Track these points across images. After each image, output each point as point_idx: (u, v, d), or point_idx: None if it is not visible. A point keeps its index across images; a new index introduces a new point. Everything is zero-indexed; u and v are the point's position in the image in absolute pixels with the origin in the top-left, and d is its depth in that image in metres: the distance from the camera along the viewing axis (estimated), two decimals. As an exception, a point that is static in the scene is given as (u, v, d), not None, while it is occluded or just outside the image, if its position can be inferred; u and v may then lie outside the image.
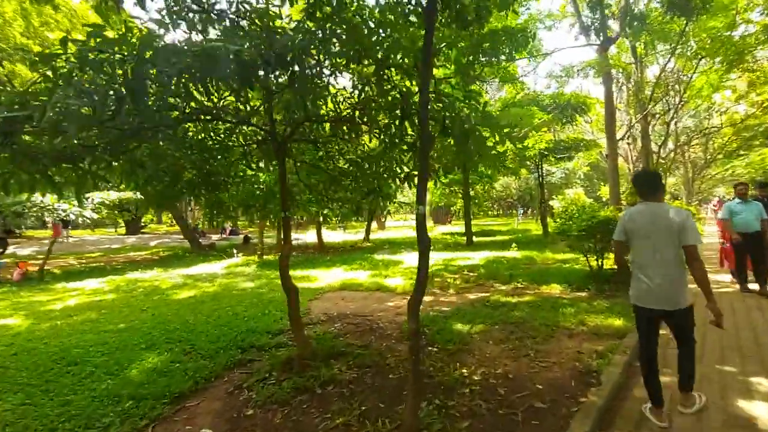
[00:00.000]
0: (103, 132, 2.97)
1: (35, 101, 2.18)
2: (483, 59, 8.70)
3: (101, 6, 4.20)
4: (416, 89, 3.29)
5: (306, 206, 6.00)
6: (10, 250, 17.14)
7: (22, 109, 2.19)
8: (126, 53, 2.06)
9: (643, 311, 2.75)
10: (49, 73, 2.13)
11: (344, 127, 4.09)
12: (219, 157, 4.47)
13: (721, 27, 11.71)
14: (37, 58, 2.18)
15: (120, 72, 1.89)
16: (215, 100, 3.50)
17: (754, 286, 6.00)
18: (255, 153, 4.68)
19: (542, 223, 18.31)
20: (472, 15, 3.82)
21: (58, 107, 2.09)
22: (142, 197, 4.91)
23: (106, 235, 28.98)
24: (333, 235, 23.89)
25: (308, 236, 22.31)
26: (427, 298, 6.45)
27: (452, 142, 3.71)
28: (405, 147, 4.05)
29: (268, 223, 11.64)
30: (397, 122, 3.53)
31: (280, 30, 3.23)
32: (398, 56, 3.43)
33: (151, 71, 1.98)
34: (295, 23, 3.38)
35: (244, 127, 4.39)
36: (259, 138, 4.42)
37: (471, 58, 8.26)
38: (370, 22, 3.52)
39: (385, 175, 4.56)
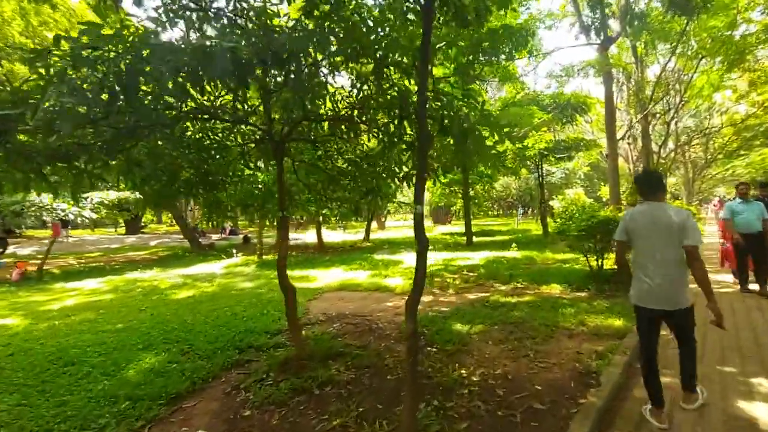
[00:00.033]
0: (99, 130, 2.95)
1: (30, 99, 2.17)
2: (483, 59, 8.68)
3: (99, 5, 4.18)
4: (415, 88, 3.27)
5: (305, 206, 5.98)
6: (10, 249, 17.11)
7: (15, 108, 2.17)
8: (120, 50, 2.04)
9: (644, 311, 2.73)
10: (42, 70, 2.11)
11: (343, 127, 4.07)
12: (217, 156, 4.45)
13: (721, 26, 11.67)
14: (31, 55, 2.16)
15: (114, 69, 1.87)
16: (212, 98, 3.47)
17: (754, 287, 5.97)
18: (253, 152, 4.66)
19: (542, 223, 18.28)
20: (472, 14, 3.80)
21: (50, 105, 2.07)
22: (140, 197, 4.90)
23: (106, 234, 28.97)
24: (333, 235, 23.86)
25: (308, 236, 22.29)
26: (426, 298, 6.43)
27: (451, 142, 3.69)
28: (404, 146, 4.03)
29: (267, 223, 11.61)
30: (395, 121, 3.51)
31: (278, 29, 3.20)
32: (396, 55, 3.41)
33: (145, 68, 1.95)
34: (294, 21, 3.36)
35: (242, 127, 4.37)
36: (257, 137, 4.40)
37: (471, 57, 8.24)
38: (368, 21, 3.50)
39: (384, 175, 4.54)
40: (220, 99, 4.02)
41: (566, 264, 8.83)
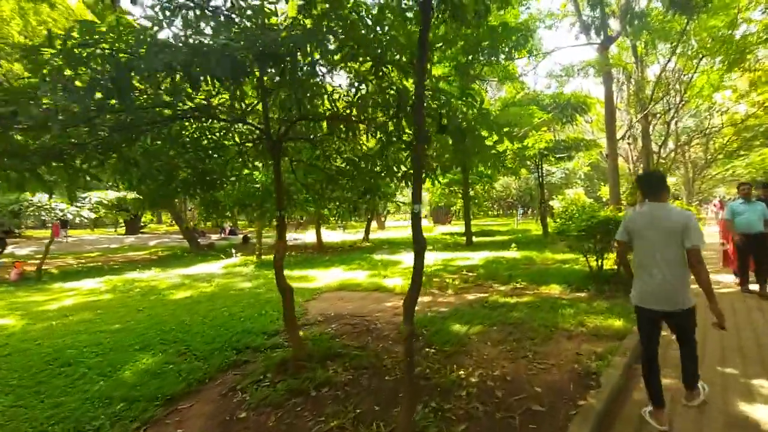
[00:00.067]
0: (94, 129, 2.93)
1: (22, 98, 2.14)
2: (482, 58, 8.64)
3: (97, 4, 4.15)
4: (413, 87, 3.24)
5: (303, 205, 5.95)
6: (9, 249, 17.09)
7: (8, 106, 2.15)
8: (113, 47, 2.02)
9: (645, 312, 2.72)
10: (35, 68, 2.09)
11: (341, 126, 4.04)
12: (214, 155, 4.43)
13: (722, 26, 11.63)
14: (23, 52, 2.14)
15: (105, 66, 1.84)
16: (206, 96, 3.44)
17: (755, 287, 5.93)
18: (250, 152, 4.63)
19: (542, 223, 18.25)
20: (471, 14, 3.77)
21: (42, 103, 2.04)
22: (138, 196, 4.88)
23: (106, 234, 28.95)
24: (332, 235, 23.85)
25: (307, 236, 22.26)
26: (425, 299, 6.40)
27: (449, 141, 3.66)
28: (402, 145, 4.00)
29: (267, 223, 11.60)
30: (394, 120, 3.48)
31: (276, 27, 3.18)
32: (394, 53, 3.38)
33: (137, 65, 1.92)
34: (291, 19, 3.33)
35: (240, 126, 4.34)
36: (255, 137, 4.37)
37: (470, 57, 8.21)
38: (366, 19, 3.47)
39: (383, 174, 4.51)
40: (217, 96, 4.00)
41: (566, 264, 8.80)
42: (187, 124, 4.09)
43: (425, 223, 34.27)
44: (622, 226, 2.88)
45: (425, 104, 3.17)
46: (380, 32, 3.42)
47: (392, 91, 3.36)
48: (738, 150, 23.12)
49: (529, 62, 14.97)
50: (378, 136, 3.97)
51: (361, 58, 3.34)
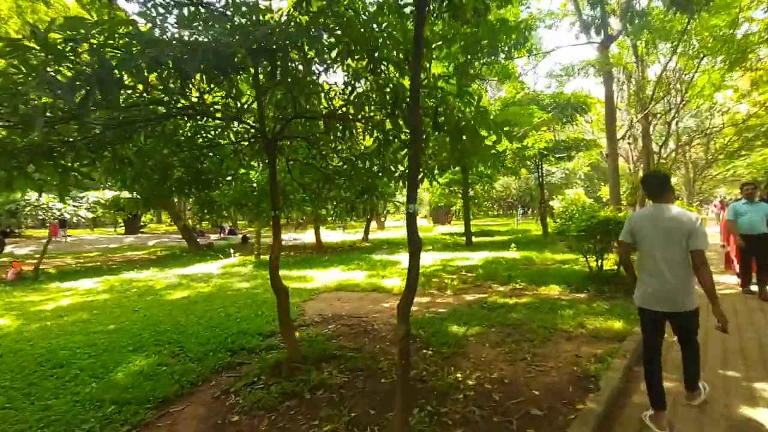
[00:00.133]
0: (83, 126, 2.87)
1: (5, 93, 2.09)
2: (482, 58, 8.58)
3: (94, 3, 4.10)
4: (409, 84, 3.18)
5: (300, 205, 5.89)
6: (8, 249, 17.05)
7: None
8: (98, 42, 1.96)
9: (649, 313, 2.69)
10: (19, 63, 2.03)
11: (337, 124, 3.99)
12: (210, 154, 4.38)
13: (723, 25, 11.56)
14: (7, 48, 2.08)
15: (90, 62, 1.79)
16: (199, 93, 3.39)
17: (756, 288, 5.87)
18: (246, 151, 4.58)
19: (542, 223, 18.19)
20: (470, 12, 3.71)
21: (30, 99, 1.99)
22: (133, 196, 4.81)
23: (105, 234, 28.91)
24: (332, 235, 23.80)
25: (307, 236, 22.20)
26: (423, 299, 6.35)
27: (447, 139, 3.61)
28: (399, 144, 3.94)
29: (265, 223, 11.55)
30: (390, 118, 3.42)
31: (271, 24, 3.12)
32: (391, 50, 3.33)
33: (120, 61, 1.87)
34: (286, 16, 3.28)
35: (235, 125, 4.29)
36: (250, 135, 4.32)
37: (469, 56, 8.14)
38: (362, 16, 3.42)
39: (380, 174, 4.46)
40: (212, 96, 3.95)
41: (566, 265, 8.75)
42: (181, 122, 4.04)
43: (425, 223, 34.21)
44: (625, 227, 2.84)
45: (422, 102, 3.12)
46: (377, 29, 3.37)
47: (389, 89, 3.30)
48: (739, 150, 23.02)
49: (529, 62, 14.85)
50: (375, 134, 3.92)
51: (357, 56, 3.28)
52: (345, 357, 3.92)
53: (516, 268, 8.57)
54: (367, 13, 3.49)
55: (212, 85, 3.28)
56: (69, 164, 3.15)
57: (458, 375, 3.43)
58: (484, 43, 7.10)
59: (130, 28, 2.00)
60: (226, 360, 4.03)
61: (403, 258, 11.60)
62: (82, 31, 1.90)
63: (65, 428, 2.87)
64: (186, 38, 2.14)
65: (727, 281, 6.74)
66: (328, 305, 6.37)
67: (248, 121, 4.01)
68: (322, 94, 3.73)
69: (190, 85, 2.98)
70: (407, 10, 3.40)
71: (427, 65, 4.54)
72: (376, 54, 3.22)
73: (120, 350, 4.43)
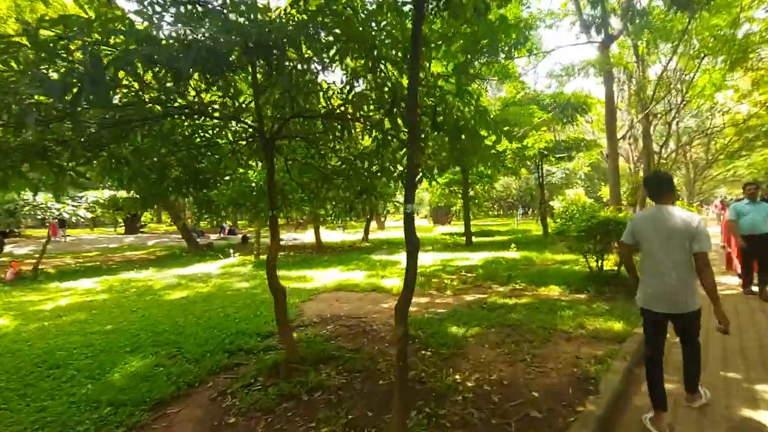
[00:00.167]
0: (78, 125, 2.85)
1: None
2: (482, 57, 8.55)
3: (92, 2, 4.07)
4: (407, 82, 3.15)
5: (298, 205, 5.86)
6: (8, 249, 17.03)
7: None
8: (90, 39, 1.94)
9: (651, 314, 2.68)
10: (10, 61, 2.00)
11: (336, 124, 3.96)
12: (207, 154, 4.35)
13: (724, 25, 11.51)
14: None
15: (81, 60, 1.76)
16: (195, 92, 3.36)
17: (757, 289, 5.83)
18: (244, 150, 4.56)
19: (542, 223, 18.16)
20: (471, 11, 3.69)
21: (18, 98, 1.96)
22: (130, 195, 4.80)
23: (105, 234, 28.89)
24: (332, 235, 23.77)
25: (307, 236, 22.18)
26: (423, 300, 6.32)
27: (446, 139, 3.58)
28: (398, 144, 3.92)
29: (263, 222, 11.51)
30: (389, 117, 3.39)
31: (267, 22, 3.10)
32: (390, 49, 3.30)
33: (112, 58, 1.84)
34: (284, 14, 3.25)
35: (233, 124, 4.26)
36: (248, 135, 4.29)
37: (469, 56, 8.11)
38: (361, 14, 3.39)
39: (379, 174, 4.43)
40: (210, 95, 3.93)
41: (566, 265, 8.71)
42: (179, 121, 4.01)
43: (425, 223, 34.19)
44: (628, 228, 2.83)
45: (420, 101, 3.09)
46: (375, 28, 3.34)
47: (387, 88, 3.27)
48: (740, 150, 22.98)
49: (529, 61, 14.82)
50: (374, 134, 3.89)
51: (356, 54, 3.25)
52: (343, 358, 3.89)
53: (516, 269, 8.54)
54: (365, 12, 3.46)
55: (209, 84, 3.23)
56: (64, 164, 3.13)
57: (457, 376, 3.40)
58: (483, 43, 7.08)
59: (126, 23, 1.97)
60: (224, 361, 4.00)
61: (403, 258, 11.52)
62: (75, 28, 1.88)
63: (60, 430, 2.85)
64: (179, 36, 2.11)
65: (729, 282, 6.70)
66: (327, 305, 6.34)
67: (246, 120, 3.98)
68: (321, 93, 3.70)
69: (187, 84, 2.94)
70: (406, 8, 3.37)
71: (427, 64, 4.52)
72: (375, 52, 3.19)
73: (117, 351, 4.41)
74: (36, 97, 1.97)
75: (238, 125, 4.27)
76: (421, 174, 4.04)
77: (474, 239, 15.64)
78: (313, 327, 5.14)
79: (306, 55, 3.24)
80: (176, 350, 4.33)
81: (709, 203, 34.32)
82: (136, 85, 2.89)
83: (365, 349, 4.22)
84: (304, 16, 3.07)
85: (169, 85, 2.59)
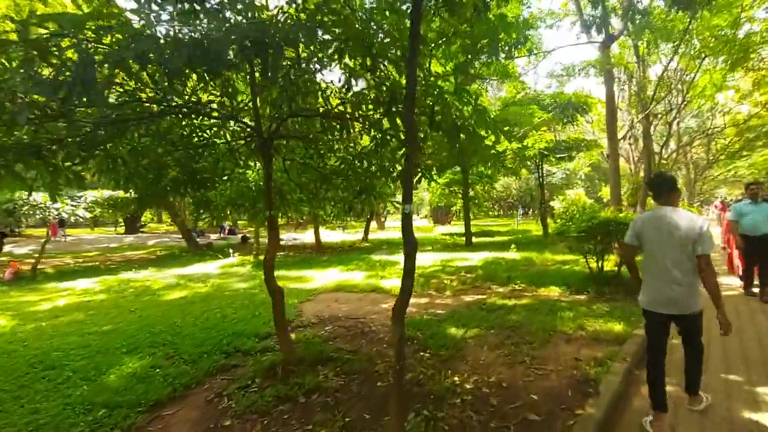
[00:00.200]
0: (73, 124, 2.82)
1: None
2: (482, 57, 8.51)
3: (92, 1, 4.04)
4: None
5: (297, 205, 5.83)
6: (8, 248, 17.01)
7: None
8: (85, 37, 1.91)
9: (654, 316, 2.66)
10: (4, 60, 1.98)
11: (334, 123, 3.93)
12: (205, 154, 4.32)
13: (725, 25, 11.47)
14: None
15: (74, 58, 1.73)
16: (192, 90, 3.33)
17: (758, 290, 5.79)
18: (242, 150, 4.53)
19: (542, 223, 18.12)
20: (470, 10, 3.66)
21: (10, 97, 1.93)
22: (128, 195, 4.76)
23: (105, 234, 28.87)
24: (332, 235, 23.74)
25: (307, 236, 22.16)
26: (422, 300, 6.29)
27: (445, 139, 3.55)
28: (396, 144, 3.89)
29: (262, 223, 11.49)
30: (387, 117, 3.37)
31: (264, 20, 3.07)
32: (389, 47, 3.27)
33: (111, 54, 1.81)
34: (284, 15, 3.22)
35: (231, 123, 4.23)
36: (246, 134, 4.26)
37: (469, 56, 8.07)
38: (359, 13, 3.36)
39: (377, 174, 4.40)
40: (207, 94, 3.90)
41: (566, 266, 8.68)
42: (176, 121, 3.98)
43: (425, 223, 34.16)
44: (630, 229, 2.81)
45: (418, 100, 3.06)
46: (374, 27, 3.31)
47: (385, 88, 3.24)
48: (740, 151, 22.94)
49: (530, 61, 14.80)
50: (372, 134, 3.86)
51: (354, 53, 3.22)
52: (341, 359, 3.86)
53: (516, 269, 8.51)
54: (364, 10, 3.44)
55: (206, 83, 3.20)
56: (59, 163, 3.10)
57: (456, 378, 3.36)
58: (483, 42, 7.04)
59: (120, 20, 1.94)
60: (221, 362, 3.97)
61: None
62: (66, 26, 1.85)
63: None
64: (174, 34, 2.08)
65: (730, 283, 6.67)
66: (325, 306, 6.31)
67: (244, 120, 3.95)
68: (319, 93, 3.67)
69: (181, 83, 2.91)
70: (404, 7, 3.34)
71: (427, 64, 4.49)
72: (374, 51, 3.16)
73: (114, 352, 4.38)
74: (30, 95, 1.94)
75: (236, 125, 4.24)
76: (420, 174, 4.01)
77: (474, 239, 15.61)
78: (311, 328, 5.11)
79: (303, 54, 3.22)
80: (173, 351, 4.30)
81: (709, 203, 34.26)
82: (132, 83, 2.86)
83: (363, 351, 4.19)
84: (303, 15, 3.04)
85: (162, 83, 2.55)
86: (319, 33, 3.01)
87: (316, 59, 3.34)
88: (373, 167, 4.36)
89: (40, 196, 10.59)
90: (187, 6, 3.15)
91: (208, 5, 3.19)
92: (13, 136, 2.51)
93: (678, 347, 2.85)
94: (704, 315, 2.65)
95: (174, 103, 3.42)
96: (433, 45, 6.05)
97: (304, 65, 3.30)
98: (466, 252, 12.42)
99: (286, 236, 22.34)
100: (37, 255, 12.14)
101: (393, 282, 7.79)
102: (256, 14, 3.11)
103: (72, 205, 11.25)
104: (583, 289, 6.29)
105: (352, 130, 4.08)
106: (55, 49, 1.77)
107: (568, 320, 4.76)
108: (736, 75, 16.03)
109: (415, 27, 2.49)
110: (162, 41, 1.93)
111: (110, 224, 34.05)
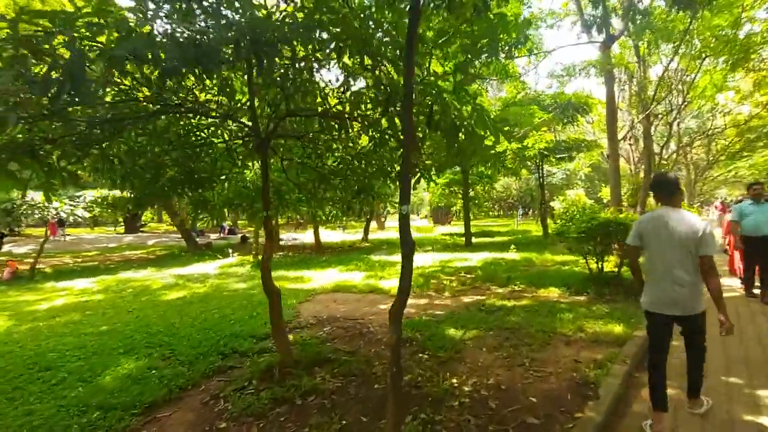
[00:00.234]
0: (68, 123, 2.79)
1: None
2: (482, 57, 8.48)
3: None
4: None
5: (296, 206, 5.79)
6: (7, 248, 16.98)
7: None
8: (79, 35, 1.88)
9: (657, 317, 2.64)
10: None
11: (332, 123, 3.90)
12: (202, 153, 4.29)
13: (725, 25, 11.44)
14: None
15: (66, 53, 1.70)
16: (188, 89, 3.30)
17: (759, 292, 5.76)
18: (240, 150, 4.50)
19: (542, 224, 18.09)
20: (471, 10, 3.62)
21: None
22: (123, 194, 4.73)
23: (105, 233, 28.85)
24: (332, 235, 23.71)
25: (306, 236, 22.13)
26: (421, 301, 6.26)
27: (443, 139, 3.52)
28: (395, 143, 3.85)
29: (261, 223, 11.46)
30: (386, 116, 3.33)
31: (264, 19, 3.03)
32: (388, 46, 3.24)
33: (104, 52, 1.78)
34: (281, 12, 3.19)
35: (229, 123, 4.20)
36: (243, 134, 4.23)
37: (469, 56, 8.04)
38: (358, 12, 3.33)
39: (376, 174, 4.37)
40: (205, 94, 3.87)
41: (565, 266, 8.65)
42: (173, 120, 3.95)
43: (425, 223, 34.12)
44: (633, 230, 2.78)
45: (416, 100, 3.03)
46: (372, 26, 3.28)
47: (382, 87, 3.21)
48: (741, 151, 22.91)
49: (530, 61, 14.75)
50: (371, 133, 3.83)
51: (352, 51, 3.19)
52: (339, 361, 3.83)
53: (515, 270, 8.48)
54: (362, 8, 3.40)
55: (201, 81, 3.17)
56: (54, 162, 3.07)
57: (454, 381, 3.33)
58: (483, 42, 7.01)
59: (115, 18, 1.91)
60: (218, 363, 3.94)
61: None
62: (57, 22, 1.81)
63: (48, 434, 2.79)
64: (168, 31, 2.05)
65: (731, 284, 6.63)
66: (324, 307, 6.28)
67: (242, 119, 3.92)
68: (317, 92, 3.64)
69: (177, 81, 2.88)
70: (402, 5, 3.31)
71: (426, 63, 4.45)
72: (372, 50, 3.13)
73: (110, 353, 4.34)
74: (17, 95, 1.91)
75: (234, 124, 4.21)
76: (419, 174, 3.98)
77: (474, 240, 15.58)
78: (309, 329, 5.08)
79: (301, 54, 3.19)
80: (170, 352, 4.27)
81: (709, 204, 34.20)
82: (127, 82, 2.83)
83: (361, 352, 4.16)
84: (301, 14, 3.01)
85: (159, 82, 2.52)
86: (317, 32, 2.98)
87: (314, 58, 3.31)
88: (372, 167, 4.33)
89: (38, 196, 10.55)
90: (184, 5, 3.13)
91: (206, 3, 3.18)
92: (6, 134, 2.48)
93: (678, 349, 2.82)
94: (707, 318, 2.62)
95: (171, 102, 3.39)
96: (432, 45, 6.01)
97: (302, 64, 3.27)
98: (466, 252, 12.39)
99: (286, 236, 22.31)
100: (36, 254, 12.12)
101: (392, 282, 7.76)
102: (254, 12, 3.08)
103: (71, 205, 11.21)
104: (583, 290, 6.26)
105: (350, 130, 4.05)
106: (47, 46, 1.74)
107: (567, 322, 4.72)
108: (736, 75, 16.00)
109: (413, 25, 2.45)
110: (156, 39, 1.90)
111: (110, 224, 34.02)
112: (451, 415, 2.82)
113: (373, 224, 24.43)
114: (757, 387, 3.18)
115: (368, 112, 3.75)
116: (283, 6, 3.27)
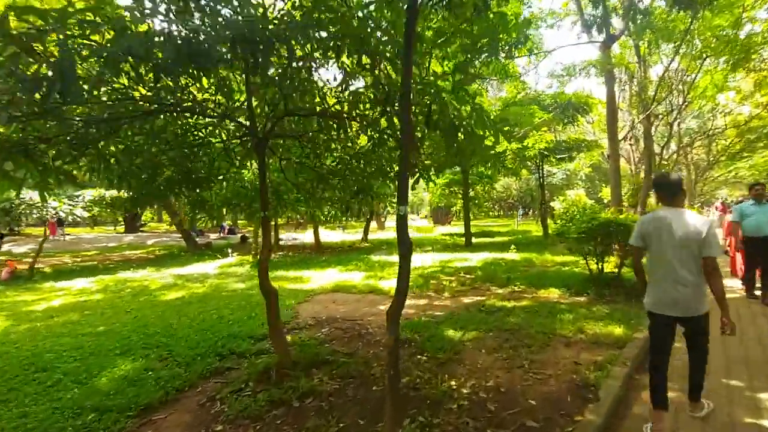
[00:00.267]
0: (63, 122, 2.76)
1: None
2: (482, 57, 8.45)
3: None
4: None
5: (294, 206, 5.77)
6: (6, 248, 16.96)
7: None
8: (72, 33, 1.85)
9: (660, 318, 2.62)
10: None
11: (331, 123, 3.87)
12: (200, 153, 4.26)
13: (726, 25, 11.42)
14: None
15: (56, 51, 1.67)
16: (183, 88, 3.27)
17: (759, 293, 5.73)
18: (238, 150, 4.47)
19: (542, 224, 18.06)
20: (471, 10, 3.59)
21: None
22: (120, 194, 4.70)
23: (104, 233, 28.83)
24: (332, 235, 23.69)
25: (306, 236, 22.10)
26: (420, 302, 6.23)
27: (443, 138, 3.49)
28: (394, 143, 3.83)
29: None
30: (385, 116, 3.31)
31: (261, 18, 3.01)
32: (387, 45, 3.21)
33: (96, 50, 1.75)
34: (279, 11, 3.16)
35: (227, 122, 4.17)
36: (241, 134, 4.20)
37: (469, 56, 8.01)
38: (358, 13, 3.30)
39: (375, 174, 4.34)
40: (203, 93, 3.84)
41: (565, 267, 8.62)
42: (170, 119, 3.92)
43: (425, 223, 34.09)
44: (636, 230, 2.76)
45: (414, 99, 3.00)
46: (371, 25, 3.25)
47: (381, 86, 3.18)
48: (741, 152, 22.87)
49: (530, 61, 14.73)
50: (369, 133, 3.80)
51: (351, 50, 3.16)
52: (337, 362, 3.80)
53: (515, 270, 8.45)
54: (361, 7, 3.37)
55: (197, 80, 3.14)
56: (49, 162, 3.04)
57: (453, 383, 3.30)
58: (483, 42, 6.98)
59: (111, 15, 1.89)
60: (215, 365, 3.91)
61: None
62: (50, 20, 1.79)
63: (42, 437, 2.76)
64: (162, 30, 2.02)
65: (732, 285, 6.60)
66: (323, 307, 6.25)
67: (240, 119, 3.89)
68: (316, 91, 3.61)
69: (172, 80, 2.85)
70: (400, 4, 3.28)
71: (426, 63, 4.43)
72: (370, 50, 3.10)
73: (107, 353, 4.32)
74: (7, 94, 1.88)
75: (232, 124, 4.18)
76: (417, 174, 3.95)
77: (474, 240, 15.55)
78: (307, 330, 5.05)
79: (299, 53, 3.15)
80: (167, 353, 4.24)
81: (710, 205, 34.16)
82: (123, 80, 2.80)
83: (360, 353, 4.13)
84: (299, 13, 2.98)
85: (153, 80, 2.48)
86: (316, 30, 2.95)
87: (312, 57, 3.28)
88: (371, 167, 4.30)
89: (36, 195, 10.53)
90: (181, 3, 3.10)
91: (203, 2, 3.15)
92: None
93: (680, 351, 2.79)
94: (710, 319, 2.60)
95: (168, 102, 3.36)
96: (432, 44, 5.98)
97: (300, 63, 3.24)
98: (466, 252, 12.36)
99: (286, 236, 22.29)
100: (35, 254, 12.09)
101: (392, 283, 7.72)
102: (251, 11, 3.05)
103: (69, 205, 11.18)
104: (583, 290, 6.23)
105: (349, 130, 4.02)
106: (39, 46, 1.71)
107: (567, 323, 4.70)
108: (737, 76, 15.97)
109: (411, 24, 2.43)
110: (151, 37, 1.87)
111: (110, 223, 34.01)
112: (450, 417, 2.79)
113: (373, 224, 24.40)
114: (757, 389, 3.15)
115: (367, 112, 3.72)
116: (281, 5, 3.25)
